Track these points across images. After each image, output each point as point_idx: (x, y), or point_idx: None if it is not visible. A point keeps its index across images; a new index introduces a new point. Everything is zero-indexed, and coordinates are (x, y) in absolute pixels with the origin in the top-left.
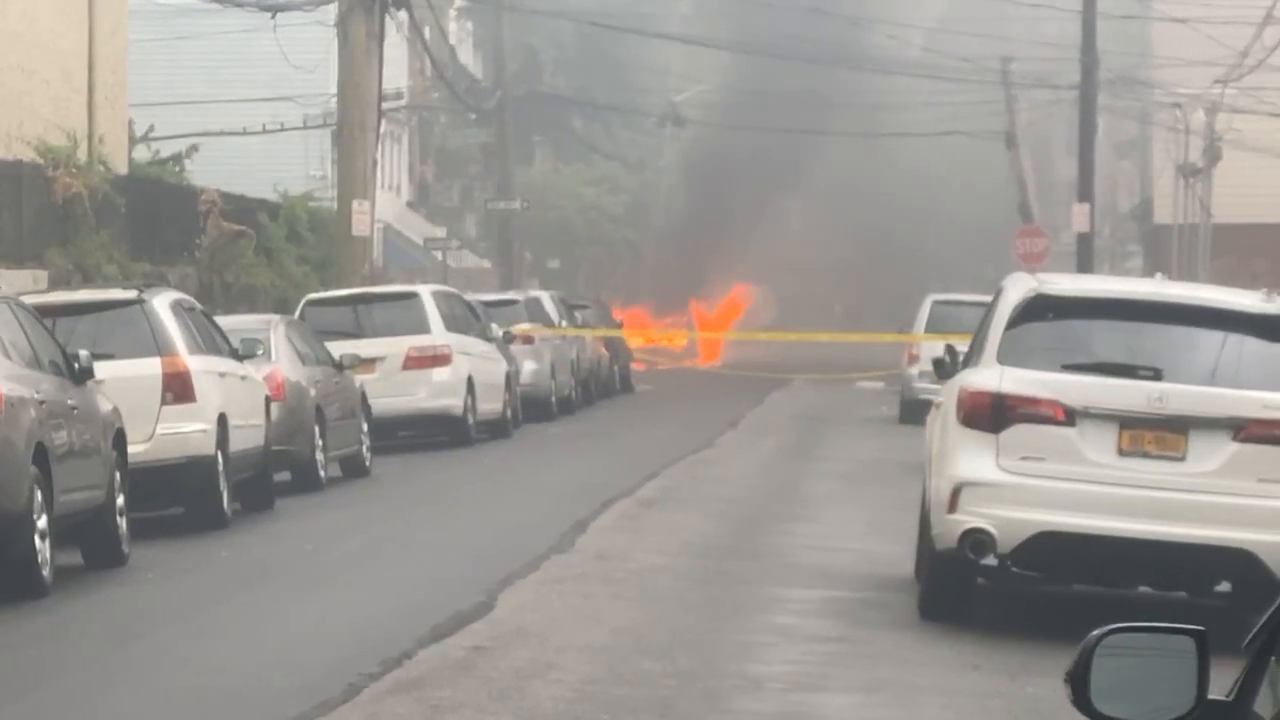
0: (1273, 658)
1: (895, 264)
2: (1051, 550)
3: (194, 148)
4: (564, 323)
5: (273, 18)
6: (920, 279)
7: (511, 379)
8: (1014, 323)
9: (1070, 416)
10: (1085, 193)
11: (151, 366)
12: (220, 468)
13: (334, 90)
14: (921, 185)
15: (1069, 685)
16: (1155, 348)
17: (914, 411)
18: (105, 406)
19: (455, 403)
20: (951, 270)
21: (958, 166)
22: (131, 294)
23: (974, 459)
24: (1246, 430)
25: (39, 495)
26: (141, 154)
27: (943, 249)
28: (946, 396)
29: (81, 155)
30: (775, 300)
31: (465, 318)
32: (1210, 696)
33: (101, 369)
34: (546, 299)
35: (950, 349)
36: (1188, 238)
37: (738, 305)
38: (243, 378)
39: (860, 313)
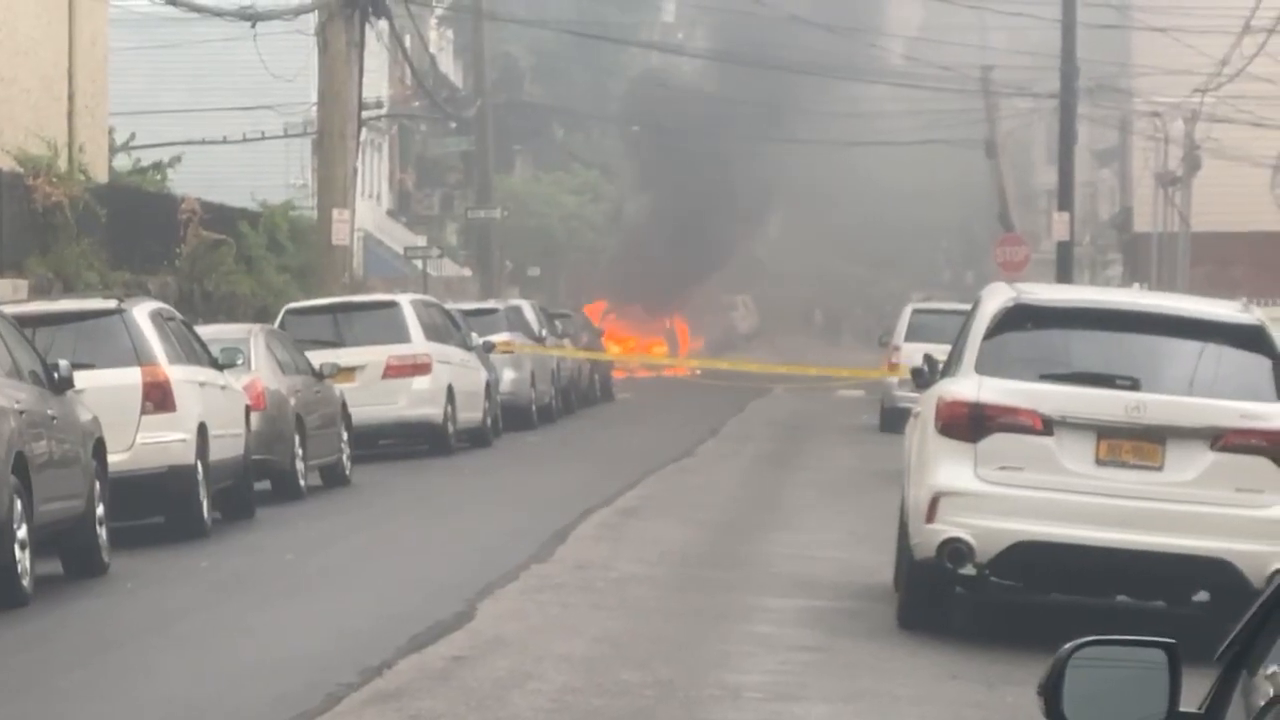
0: (1244, 670)
1: (875, 272)
2: (1030, 560)
3: (177, 158)
4: (544, 332)
5: (253, 26)
6: (900, 287)
7: (492, 388)
8: (992, 332)
9: (1048, 426)
10: (1065, 201)
11: (131, 376)
12: (200, 477)
13: (314, 99)
14: (902, 193)
15: (1042, 697)
16: (1133, 357)
17: (894, 420)
18: (85, 416)
19: (435, 411)
20: (932, 278)
21: (938, 175)
22: (111, 303)
23: (952, 468)
24: (1224, 440)
25: (19, 505)
26: (122, 163)
27: (923, 257)
28: (925, 406)
29: (62, 164)
30: (756, 307)
31: (445, 327)
32: (1182, 709)
33: (81, 378)
34: (526, 308)
35: (929, 358)
36: (1167, 246)
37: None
38: (223, 387)
39: (840, 319)
